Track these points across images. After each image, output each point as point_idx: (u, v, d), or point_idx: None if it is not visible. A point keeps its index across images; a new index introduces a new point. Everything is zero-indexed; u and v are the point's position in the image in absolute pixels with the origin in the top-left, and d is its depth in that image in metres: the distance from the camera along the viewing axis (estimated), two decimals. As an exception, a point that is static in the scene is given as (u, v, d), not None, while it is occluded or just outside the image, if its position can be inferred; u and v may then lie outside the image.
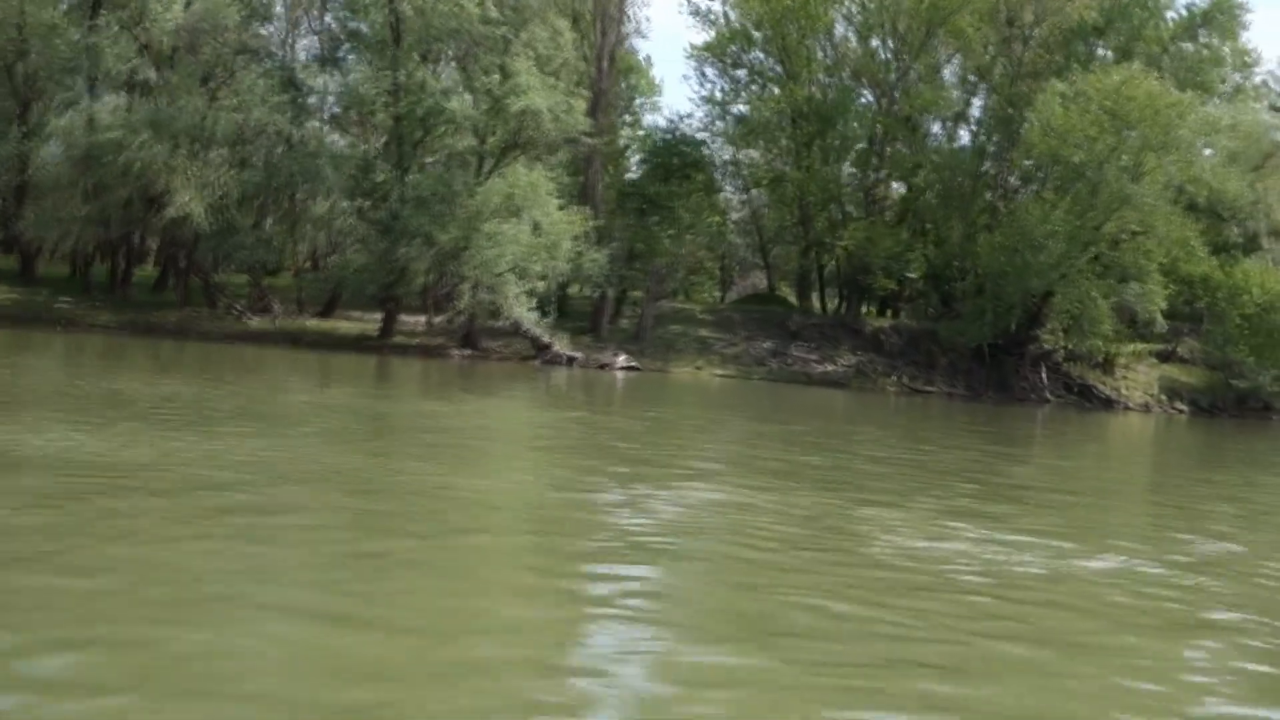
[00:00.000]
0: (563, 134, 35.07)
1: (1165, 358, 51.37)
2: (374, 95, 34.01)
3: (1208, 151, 42.05)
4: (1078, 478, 21.25)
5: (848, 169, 47.54)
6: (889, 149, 46.99)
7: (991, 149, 45.62)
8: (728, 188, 55.36)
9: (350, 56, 35.68)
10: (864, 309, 52.50)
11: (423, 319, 40.50)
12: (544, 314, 37.16)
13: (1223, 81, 54.66)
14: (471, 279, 33.66)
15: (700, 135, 48.91)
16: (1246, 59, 57.34)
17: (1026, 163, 43.97)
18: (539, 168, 38.72)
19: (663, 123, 57.38)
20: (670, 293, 47.62)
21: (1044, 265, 39.57)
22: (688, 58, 53.90)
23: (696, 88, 52.46)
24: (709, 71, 52.07)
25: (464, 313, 34.51)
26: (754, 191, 53.20)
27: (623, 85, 53.44)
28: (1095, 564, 11.00)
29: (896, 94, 46.27)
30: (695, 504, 12.80)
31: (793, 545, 10.85)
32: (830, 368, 45.23)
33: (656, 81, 63.10)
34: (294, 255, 40.74)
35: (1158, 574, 10.82)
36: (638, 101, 59.65)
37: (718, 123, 49.37)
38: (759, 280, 62.44)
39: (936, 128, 48.92)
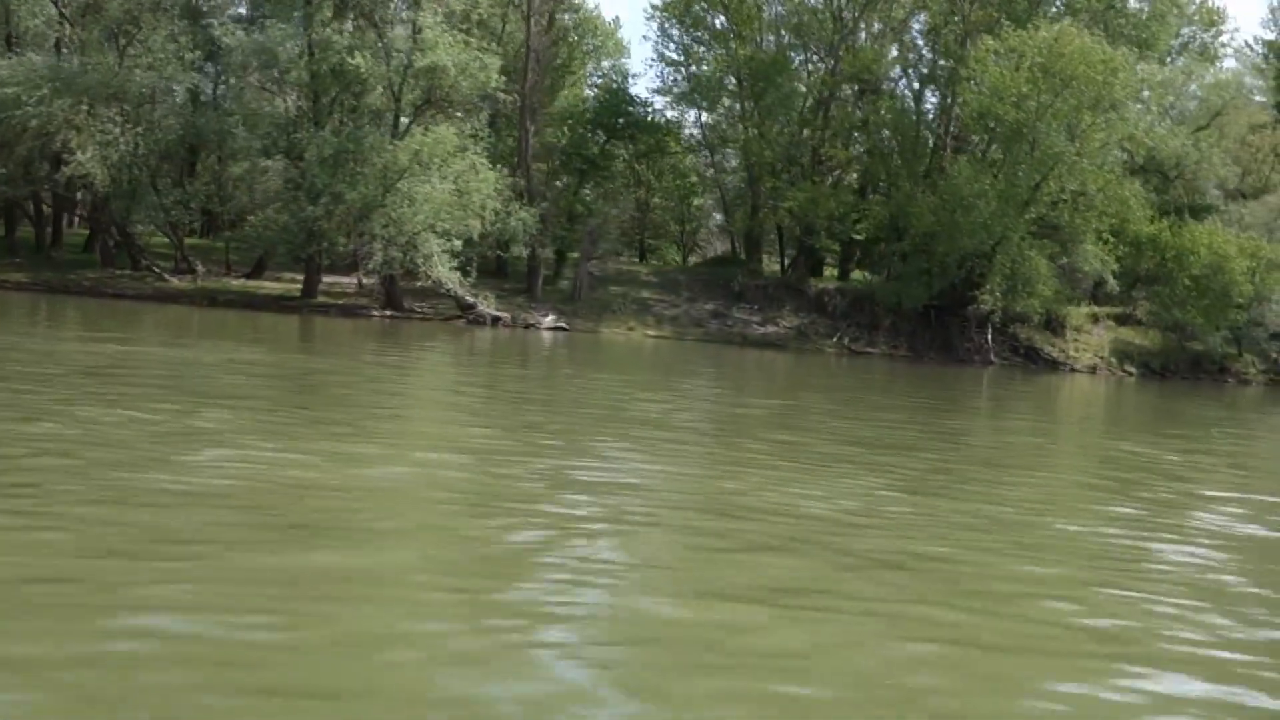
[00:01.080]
0: (476, 92, 34.72)
1: (1124, 321, 50.84)
2: (286, 53, 33.72)
3: (1155, 109, 41.41)
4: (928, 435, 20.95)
5: (792, 129, 46.93)
6: (834, 110, 46.38)
7: (929, 108, 45.04)
8: (701, 151, 54.91)
9: (269, 18, 35.27)
10: (828, 271, 52.27)
11: (354, 280, 40.44)
12: (465, 273, 36.92)
13: (1176, 37, 53.86)
14: (383, 237, 33.45)
15: (646, 95, 48.35)
16: (1214, 18, 56.51)
17: (965, 122, 43.26)
18: (467, 125, 38.57)
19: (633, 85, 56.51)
20: (614, 253, 47.27)
21: (974, 225, 39.07)
22: (648, 18, 53.55)
23: (658, 48, 51.23)
24: (675, 32, 51.68)
25: (376, 271, 34.34)
26: (719, 156, 52.72)
27: (576, 44, 52.93)
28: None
29: (841, 53, 45.66)
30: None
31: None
32: (772, 329, 44.98)
33: (625, 43, 62.61)
34: (223, 216, 40.57)
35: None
36: (607, 64, 59.21)
37: (671, 83, 48.92)
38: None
39: (902, 87, 48.18)
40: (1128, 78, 38.13)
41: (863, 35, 47.62)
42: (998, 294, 41.62)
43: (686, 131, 51.33)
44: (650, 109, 48.12)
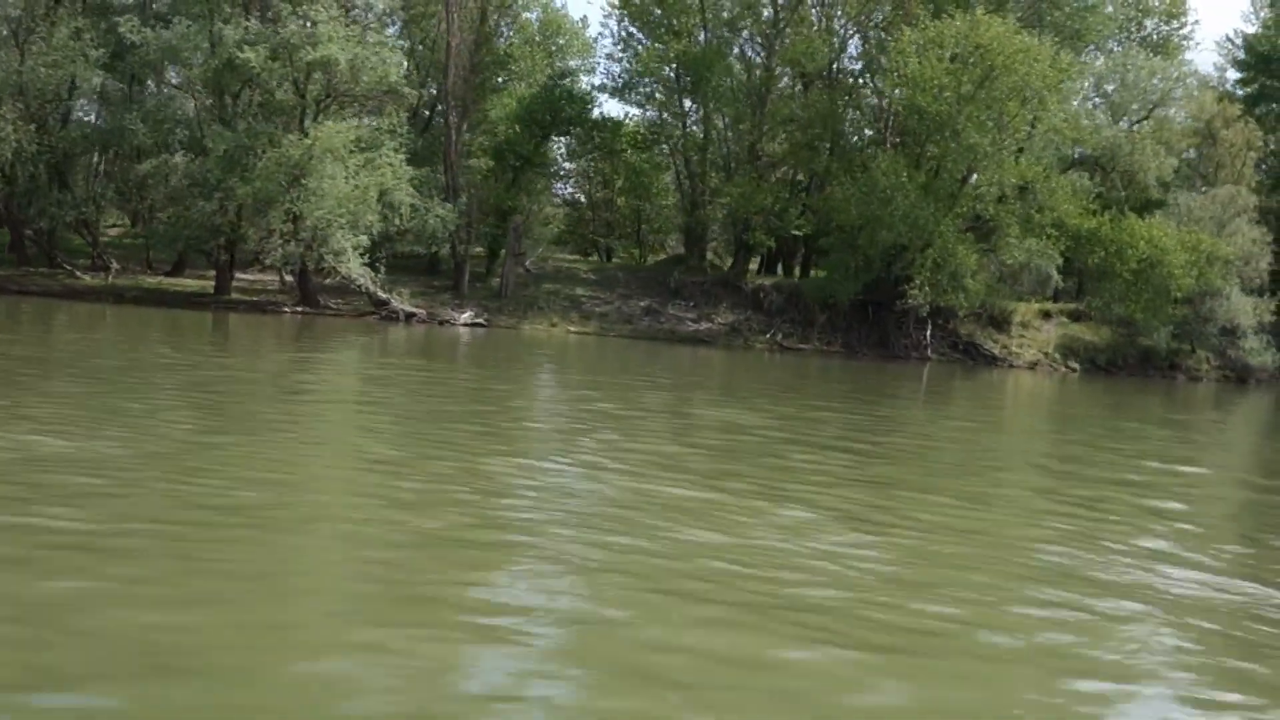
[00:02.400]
0: (376, 87, 34.72)
1: (1078, 317, 50.18)
2: (189, 50, 33.83)
3: (1082, 101, 40.75)
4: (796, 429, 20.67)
5: (729, 124, 46.63)
6: (770, 103, 45.97)
7: (845, 100, 44.55)
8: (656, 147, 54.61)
9: (179, 15, 35.40)
10: (780, 267, 51.93)
11: (275, 277, 40.57)
12: (376, 269, 36.91)
13: (1139, 29, 53.16)
14: (282, 232, 33.50)
15: (586, 91, 48.17)
16: (1173, 9, 55.71)
17: (898, 114, 42.68)
18: (385, 121, 38.61)
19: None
20: (545, 251, 47.09)
21: (893, 218, 38.59)
22: (606, 16, 53.41)
23: (610, 45, 51.18)
24: (634, 29, 51.51)
25: (276, 266, 34.38)
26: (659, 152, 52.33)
27: (541, 44, 52.63)
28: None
29: (776, 46, 45.30)
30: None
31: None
32: (706, 325, 44.67)
33: (593, 42, 62.40)
34: (140, 214, 40.76)
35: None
36: (574, 63, 59.03)
37: (608, 79, 48.79)
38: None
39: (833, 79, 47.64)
40: (1046, 68, 37.49)
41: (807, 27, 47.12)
42: (926, 288, 41.08)
43: (632, 127, 50.92)
44: (589, 105, 47.86)
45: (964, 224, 42.62)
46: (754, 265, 53.89)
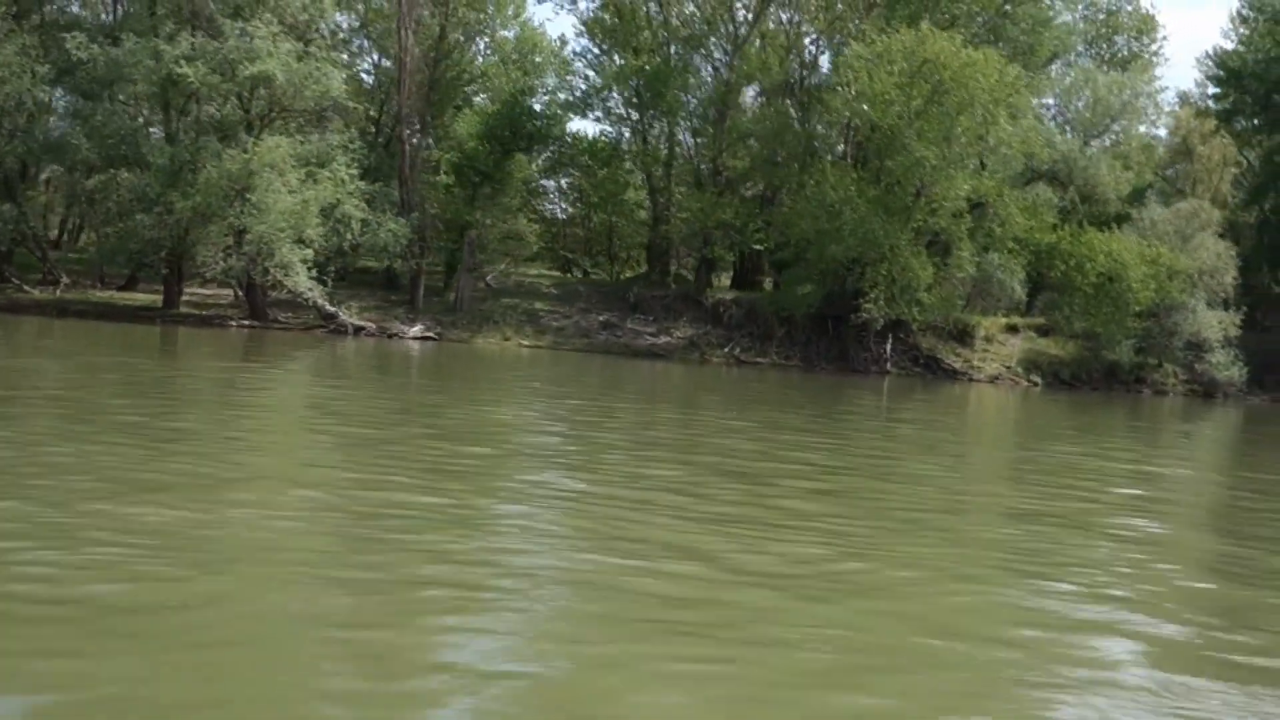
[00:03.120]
0: (319, 103, 34.94)
1: (1046, 332, 49.97)
2: (132, 65, 34.07)
3: (1031, 115, 40.66)
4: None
5: (688, 138, 46.77)
6: (730, 118, 46.07)
7: (800, 114, 44.60)
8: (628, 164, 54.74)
9: (127, 31, 35.71)
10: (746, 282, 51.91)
11: (229, 291, 40.76)
12: (323, 283, 37.04)
13: (1092, 44, 53.16)
14: (223, 246, 33.68)
15: (543, 108, 48.36)
16: (1143, 26, 55.77)
17: (831, 126, 42.78)
18: (335, 137, 38.87)
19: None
20: (496, 265, 47.13)
21: (842, 232, 38.55)
22: (577, 34, 53.78)
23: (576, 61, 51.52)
24: (594, 45, 51.85)
25: (217, 280, 34.55)
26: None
27: (518, 61, 52.83)
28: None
29: (735, 61, 45.43)
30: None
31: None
32: (666, 340, 44.65)
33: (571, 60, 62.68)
34: (94, 228, 41.04)
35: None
36: (551, 81, 59.27)
37: (568, 95, 48.99)
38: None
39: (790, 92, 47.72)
40: (994, 82, 37.46)
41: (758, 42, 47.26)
42: (881, 302, 40.99)
43: (595, 143, 51.09)
44: (552, 121, 48.02)
45: (924, 238, 42.59)
46: (727, 280, 54.02)
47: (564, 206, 59.42)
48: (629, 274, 59.60)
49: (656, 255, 49.52)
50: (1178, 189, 61.69)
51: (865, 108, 38.59)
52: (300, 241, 35.58)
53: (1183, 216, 47.20)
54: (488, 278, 47.07)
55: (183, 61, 32.70)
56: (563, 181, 56.37)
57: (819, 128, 43.92)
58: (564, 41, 50.46)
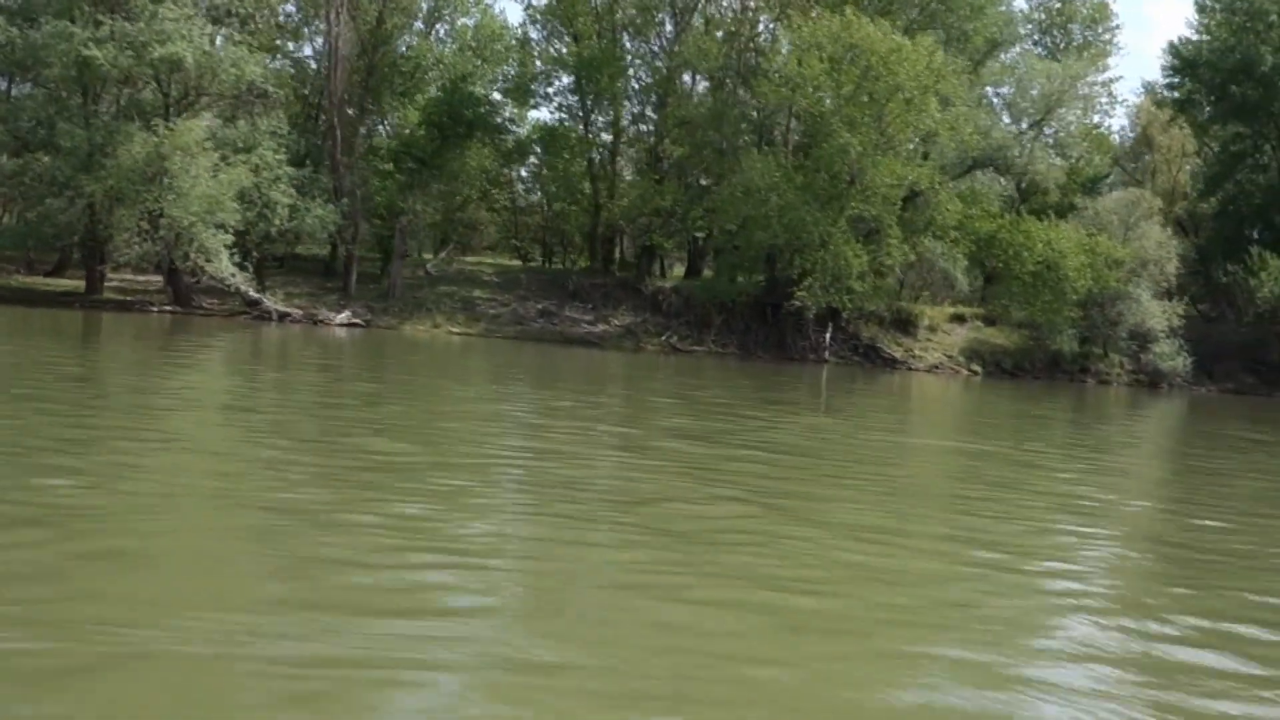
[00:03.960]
0: (236, 87, 34.77)
1: (993, 321, 49.75)
2: (48, 48, 33.89)
3: (962, 104, 40.36)
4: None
5: (626, 126, 46.57)
6: (670, 105, 45.86)
7: (733, 100, 44.35)
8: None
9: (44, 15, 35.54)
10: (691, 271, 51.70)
11: (159, 278, 40.59)
12: (244, 268, 36.88)
13: (1046, 33, 52.90)
14: (137, 230, 33.54)
15: (483, 94, 48.10)
16: (1097, 14, 55.51)
17: (761, 113, 42.52)
18: (264, 122, 38.71)
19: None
20: (427, 252, 47.01)
21: (768, 219, 38.33)
22: (532, 22, 53.48)
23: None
24: (546, 32, 51.60)
25: (131, 265, 34.39)
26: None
27: (477, 50, 52.59)
28: None
29: (676, 48, 45.21)
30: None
31: None
32: (603, 328, 44.47)
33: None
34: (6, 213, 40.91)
35: None
36: (511, 69, 59.02)
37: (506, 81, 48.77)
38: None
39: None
40: (922, 69, 37.21)
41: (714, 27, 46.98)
42: (815, 289, 40.76)
43: (538, 130, 50.87)
44: (488, 107, 47.80)
45: (860, 227, 42.32)
46: (682, 270, 53.82)
47: (522, 195, 59.23)
48: (585, 264, 59.49)
49: (600, 243, 49.31)
50: (1137, 180, 61.55)
51: (791, 93, 38.28)
52: (220, 227, 35.39)
53: (1125, 205, 46.94)
54: (428, 265, 46.92)
55: (91, 44, 32.49)
56: (523, 171, 56.21)
57: (755, 114, 43.62)
58: (507, 27, 50.00)
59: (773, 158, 39.28)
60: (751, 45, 45.13)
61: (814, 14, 40.28)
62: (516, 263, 54.76)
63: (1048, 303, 43.87)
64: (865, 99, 38.20)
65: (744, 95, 44.24)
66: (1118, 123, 63.66)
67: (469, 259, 50.71)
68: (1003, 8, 45.07)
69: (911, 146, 41.26)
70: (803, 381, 34.73)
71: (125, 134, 33.40)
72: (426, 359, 31.13)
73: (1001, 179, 45.65)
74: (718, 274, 42.63)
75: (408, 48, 47.15)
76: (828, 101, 38.00)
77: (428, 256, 48.20)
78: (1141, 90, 65.80)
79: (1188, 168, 61.14)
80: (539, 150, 51.07)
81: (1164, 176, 61.76)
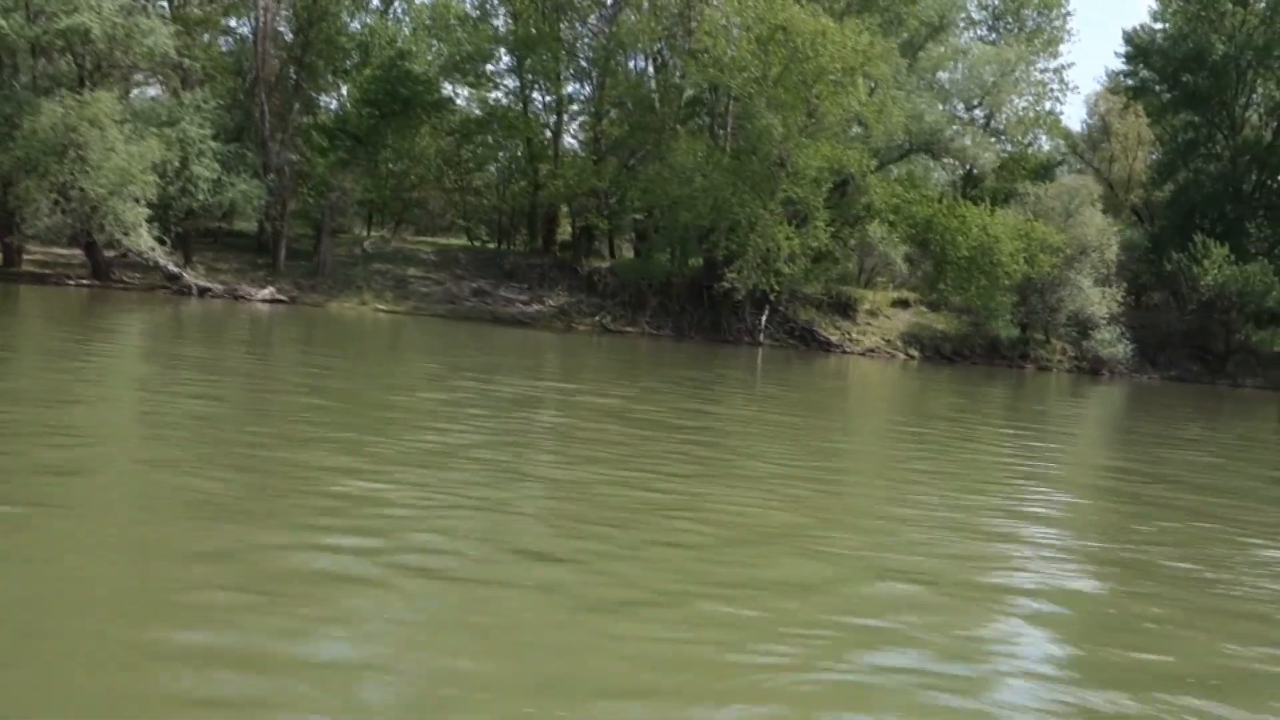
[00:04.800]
0: (149, 59, 34.48)
1: (937, 306, 49.51)
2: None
3: (892, 87, 40.04)
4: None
5: (567, 104, 46.27)
6: (608, 84, 45.55)
7: (661, 80, 44.07)
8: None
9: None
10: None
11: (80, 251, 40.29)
12: (162, 242, 36.60)
13: (999, 18, 52.64)
14: (42, 201, 33.27)
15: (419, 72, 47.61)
16: (1048, 2, 55.21)
17: (690, 93, 42.24)
18: (189, 95, 38.42)
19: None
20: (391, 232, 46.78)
21: (693, 199, 38.06)
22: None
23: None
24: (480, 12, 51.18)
25: (41, 238, 34.13)
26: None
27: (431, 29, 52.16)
28: None
29: (610, 29, 44.85)
30: None
31: None
32: (536, 308, 44.21)
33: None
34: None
35: None
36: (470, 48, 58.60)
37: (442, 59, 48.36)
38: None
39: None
40: (848, 51, 36.89)
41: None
42: (746, 271, 40.49)
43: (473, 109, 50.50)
44: (423, 85, 47.33)
45: (796, 210, 42.04)
46: (630, 252, 53.46)
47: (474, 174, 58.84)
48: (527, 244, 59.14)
49: (541, 224, 49.03)
50: (1095, 168, 61.32)
51: (720, 73, 37.98)
52: (136, 200, 35.09)
53: (1067, 192, 46.70)
54: (364, 243, 46.63)
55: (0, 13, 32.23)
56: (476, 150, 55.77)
57: (690, 93, 43.30)
58: (448, 7, 49.56)
59: (700, 139, 38.95)
60: (688, 25, 44.71)
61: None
62: (462, 242, 54.38)
63: (983, 288, 43.69)
64: (794, 81, 37.84)
65: (680, 76, 43.93)
66: (1077, 111, 63.07)
67: (417, 239, 50.39)
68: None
69: (850, 131, 40.88)
70: (719, 362, 34.50)
71: (34, 106, 33.10)
72: (325, 335, 30.86)
73: (941, 163, 45.30)
74: (645, 255, 42.32)
75: (361, 26, 46.66)
76: (752, 81, 37.61)
77: (371, 234, 47.88)
78: (1106, 78, 65.58)
79: (1145, 156, 60.88)
80: (481, 130, 50.70)
81: (1121, 164, 61.56)
